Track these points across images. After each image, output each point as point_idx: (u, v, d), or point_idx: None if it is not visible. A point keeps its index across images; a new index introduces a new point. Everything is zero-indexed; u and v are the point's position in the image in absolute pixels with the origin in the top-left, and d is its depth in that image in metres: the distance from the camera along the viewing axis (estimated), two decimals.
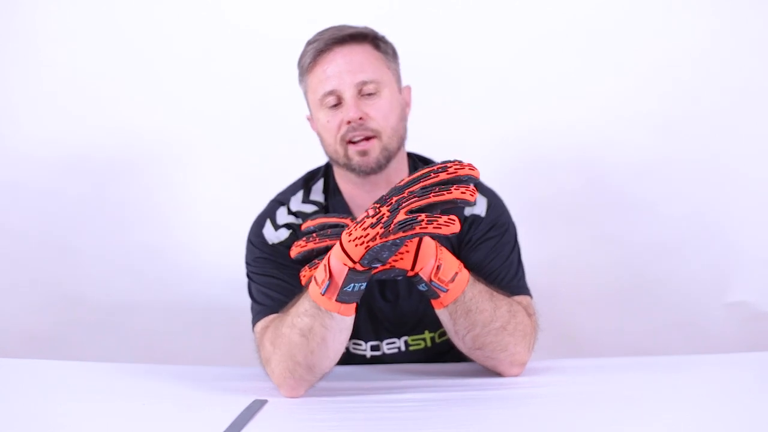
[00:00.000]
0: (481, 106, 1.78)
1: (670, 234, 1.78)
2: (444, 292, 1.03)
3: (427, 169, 0.92)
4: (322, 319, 1.01)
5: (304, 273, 1.10)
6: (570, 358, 1.33)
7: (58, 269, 1.79)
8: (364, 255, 0.94)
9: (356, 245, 0.94)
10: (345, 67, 1.20)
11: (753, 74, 1.73)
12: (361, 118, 1.19)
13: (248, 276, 1.24)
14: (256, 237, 1.24)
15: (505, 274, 1.20)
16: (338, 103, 1.21)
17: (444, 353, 1.31)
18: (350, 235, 0.95)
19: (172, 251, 1.80)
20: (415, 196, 0.91)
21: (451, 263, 1.04)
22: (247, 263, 1.25)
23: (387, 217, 0.92)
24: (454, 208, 0.93)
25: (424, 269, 1.02)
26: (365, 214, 0.95)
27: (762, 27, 1.72)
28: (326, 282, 0.98)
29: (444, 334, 1.29)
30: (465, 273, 1.05)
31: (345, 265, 0.96)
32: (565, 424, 0.93)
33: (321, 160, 1.34)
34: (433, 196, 0.90)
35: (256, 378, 1.18)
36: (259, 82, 1.78)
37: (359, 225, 0.94)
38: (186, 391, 1.12)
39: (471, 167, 0.91)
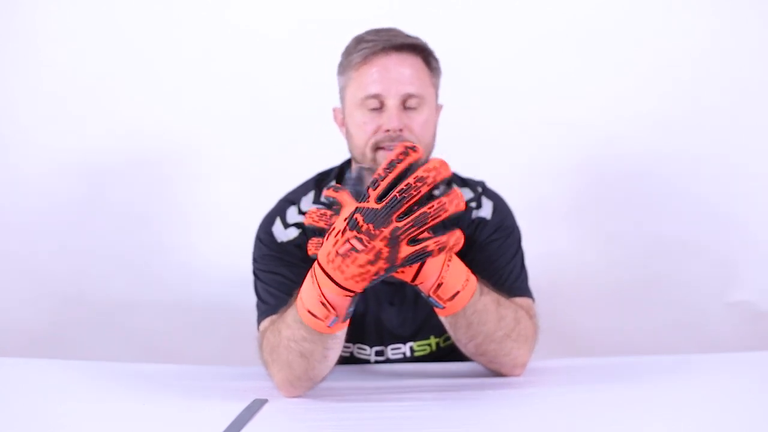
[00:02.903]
0: (480, 107, 1.78)
1: (671, 233, 1.78)
2: (440, 308, 1.01)
3: (390, 177, 0.81)
4: (324, 342, 0.99)
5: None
6: (570, 358, 1.33)
7: (58, 268, 1.79)
8: (367, 285, 0.89)
9: (356, 281, 0.87)
10: (395, 76, 1.19)
11: (754, 72, 1.74)
12: (401, 130, 1.18)
13: (254, 273, 1.23)
14: (265, 234, 1.23)
15: (508, 276, 1.20)
16: (379, 108, 1.20)
17: (446, 355, 1.31)
18: (343, 273, 0.86)
19: (173, 250, 1.80)
20: (412, 226, 0.82)
21: (454, 281, 0.98)
22: (254, 260, 1.24)
23: (387, 252, 0.84)
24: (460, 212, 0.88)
25: (424, 284, 0.98)
26: (347, 245, 0.85)
27: (762, 26, 1.72)
28: (332, 317, 0.93)
29: (449, 338, 1.29)
30: (469, 290, 1.00)
31: (347, 296, 0.91)
32: (565, 423, 0.92)
33: (325, 161, 1.34)
34: (431, 220, 0.82)
35: (256, 377, 1.18)
36: (261, 83, 1.78)
37: (349, 260, 0.85)
38: (186, 391, 1.12)
39: (444, 165, 0.82)
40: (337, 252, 0.86)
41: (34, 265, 1.79)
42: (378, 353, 1.28)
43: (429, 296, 0.99)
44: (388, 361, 1.28)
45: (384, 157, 1.18)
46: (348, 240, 0.85)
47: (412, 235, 0.83)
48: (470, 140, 1.76)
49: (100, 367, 1.29)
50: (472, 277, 1.02)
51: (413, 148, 0.81)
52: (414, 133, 1.20)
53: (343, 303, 0.92)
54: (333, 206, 0.96)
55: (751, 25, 1.73)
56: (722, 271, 1.78)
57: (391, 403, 1.02)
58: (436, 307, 1.00)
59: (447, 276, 0.97)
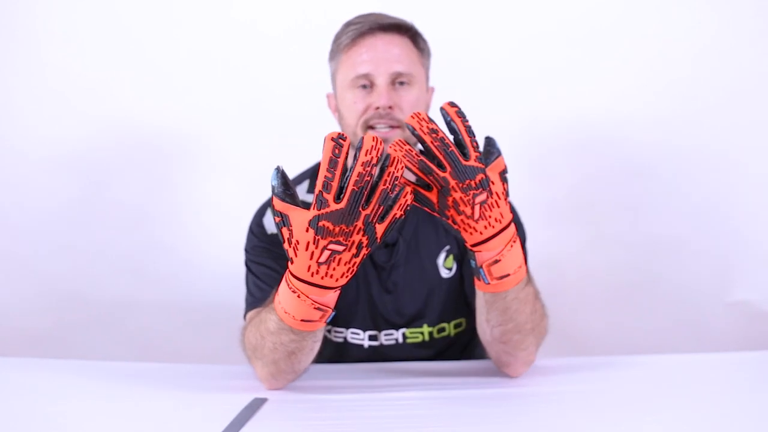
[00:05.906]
0: (479, 104, 1.76)
1: (671, 232, 1.78)
2: (486, 284, 0.97)
3: (338, 175, 0.83)
4: (315, 335, 1.00)
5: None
6: (570, 358, 1.32)
7: (58, 267, 1.79)
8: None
9: (347, 276, 0.88)
10: (383, 55, 1.21)
11: (754, 69, 1.73)
12: (390, 107, 1.20)
13: (245, 264, 1.25)
14: (256, 226, 1.25)
15: None
16: (369, 88, 1.22)
17: (443, 351, 1.31)
18: (332, 276, 0.87)
19: (173, 249, 1.80)
20: (379, 206, 0.84)
21: (509, 263, 0.95)
22: (246, 251, 1.26)
23: (367, 240, 0.86)
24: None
25: (482, 254, 0.95)
26: (326, 252, 0.85)
27: (761, 23, 1.72)
28: (330, 314, 0.93)
29: (442, 330, 1.29)
30: (518, 277, 0.97)
31: (337, 291, 0.92)
32: (565, 423, 0.92)
33: None
34: (391, 192, 0.84)
35: (255, 377, 1.17)
36: (260, 80, 1.78)
37: (334, 263, 0.86)
38: (186, 390, 1.12)
39: (377, 140, 0.83)
40: (318, 262, 0.87)
41: (33, 265, 1.79)
42: (372, 338, 1.29)
43: (480, 267, 0.96)
44: (381, 346, 1.29)
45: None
46: (325, 247, 0.85)
47: (380, 214, 0.85)
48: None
49: (100, 366, 1.29)
50: (525, 267, 0.99)
51: (342, 137, 0.82)
52: (403, 111, 1.21)
53: (335, 297, 0.93)
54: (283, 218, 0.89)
55: (751, 21, 1.73)
56: (722, 271, 1.77)
57: (390, 403, 1.03)
58: (483, 281, 0.97)
59: (506, 256, 0.94)
